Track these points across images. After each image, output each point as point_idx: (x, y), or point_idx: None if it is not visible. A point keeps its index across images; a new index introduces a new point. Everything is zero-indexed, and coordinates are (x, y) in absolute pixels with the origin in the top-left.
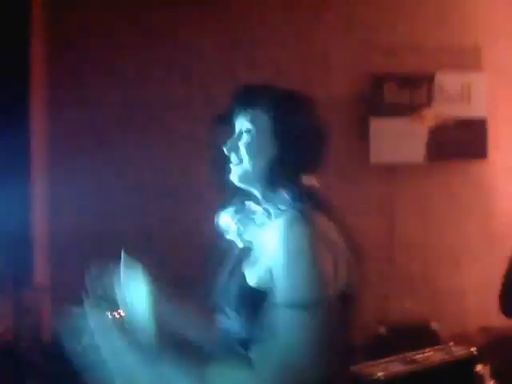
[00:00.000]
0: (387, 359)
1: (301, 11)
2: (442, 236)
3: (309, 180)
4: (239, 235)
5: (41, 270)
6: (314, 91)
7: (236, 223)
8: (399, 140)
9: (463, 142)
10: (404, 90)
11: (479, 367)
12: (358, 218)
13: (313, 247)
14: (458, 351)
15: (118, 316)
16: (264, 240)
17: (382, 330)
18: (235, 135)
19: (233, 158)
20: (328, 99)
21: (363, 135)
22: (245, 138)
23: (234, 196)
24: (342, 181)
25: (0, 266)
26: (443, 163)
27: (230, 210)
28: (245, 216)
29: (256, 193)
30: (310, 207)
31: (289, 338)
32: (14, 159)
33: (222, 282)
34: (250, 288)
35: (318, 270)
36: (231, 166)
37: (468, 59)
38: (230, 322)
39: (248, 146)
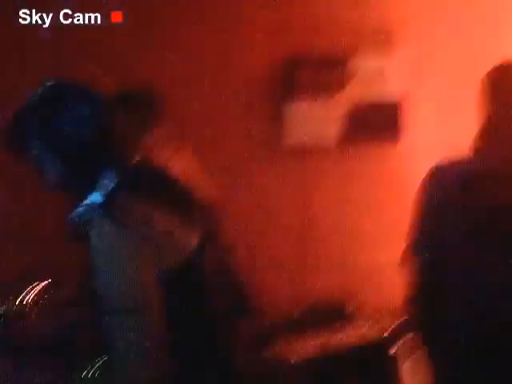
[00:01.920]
0: (301, 342)
1: None
2: (356, 218)
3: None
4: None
5: None
6: (227, 72)
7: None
8: (313, 123)
9: (377, 125)
10: (318, 73)
11: (393, 349)
12: (270, 201)
13: (118, 248)
14: (371, 334)
15: None
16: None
17: (297, 312)
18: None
19: None
20: (241, 80)
21: (276, 118)
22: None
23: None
24: (254, 166)
25: None
26: (358, 147)
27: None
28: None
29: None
30: (120, 197)
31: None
32: None
33: None
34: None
35: (129, 271)
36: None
37: (381, 42)
38: None
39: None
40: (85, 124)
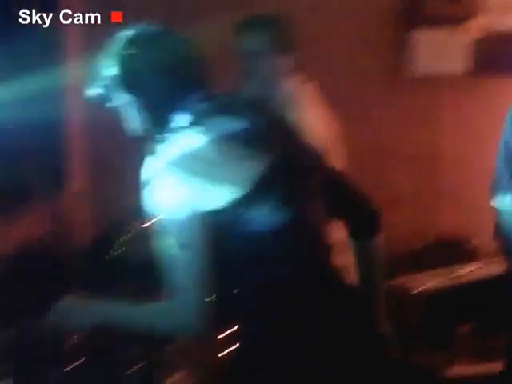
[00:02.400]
0: (427, 273)
1: None
2: (485, 150)
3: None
4: None
5: (77, 177)
6: (351, 2)
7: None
8: (442, 52)
9: (507, 55)
10: (448, 0)
11: None
12: (397, 130)
13: (179, 189)
14: (500, 266)
15: None
16: None
17: (424, 244)
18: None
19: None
20: (367, 10)
21: (405, 47)
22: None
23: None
24: (382, 94)
25: (36, 173)
26: (488, 76)
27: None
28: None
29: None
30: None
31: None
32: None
33: None
34: None
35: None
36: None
37: None
38: None
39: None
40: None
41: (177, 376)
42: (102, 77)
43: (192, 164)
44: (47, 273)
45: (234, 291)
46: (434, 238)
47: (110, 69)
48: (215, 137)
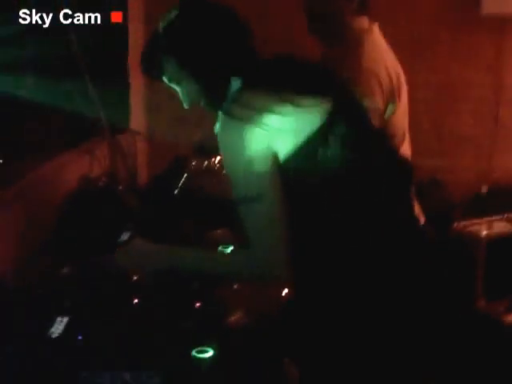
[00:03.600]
0: (491, 218)
1: None
2: None
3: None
4: None
5: (137, 114)
6: None
7: None
8: None
9: None
10: None
11: None
12: (463, 71)
13: (253, 149)
14: None
15: None
16: None
17: (485, 188)
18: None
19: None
20: None
21: None
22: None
23: None
24: (449, 32)
25: (96, 110)
26: None
27: None
28: None
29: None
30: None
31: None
32: None
33: None
34: None
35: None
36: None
37: None
38: None
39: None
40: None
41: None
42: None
43: (264, 115)
44: (109, 211)
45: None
46: (497, 183)
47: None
48: (280, 89)
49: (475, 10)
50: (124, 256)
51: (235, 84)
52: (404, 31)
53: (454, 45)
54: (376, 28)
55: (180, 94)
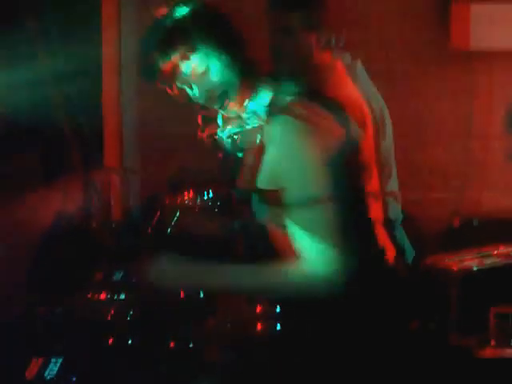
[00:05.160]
0: (463, 252)
1: None
2: None
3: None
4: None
5: (112, 151)
6: None
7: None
8: (495, 26)
9: None
10: None
11: None
12: (434, 105)
13: (308, 142)
14: None
15: None
16: (261, 144)
17: (456, 222)
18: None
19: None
20: None
21: (445, 20)
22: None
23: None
24: (420, 67)
25: (71, 146)
26: None
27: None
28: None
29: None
30: (295, 97)
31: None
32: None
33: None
34: (261, 190)
35: (320, 163)
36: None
37: None
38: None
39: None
40: None
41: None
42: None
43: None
44: (83, 249)
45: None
46: (472, 216)
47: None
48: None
49: (446, 45)
50: (160, 275)
51: (264, 90)
52: (376, 65)
53: (426, 79)
54: (344, 63)
55: (196, 89)
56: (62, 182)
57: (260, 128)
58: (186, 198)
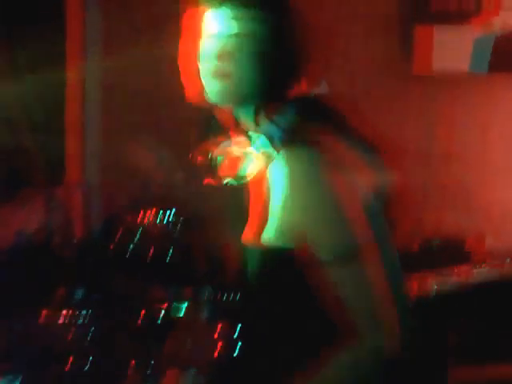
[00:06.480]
0: (424, 274)
1: None
2: (484, 149)
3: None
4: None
5: (73, 167)
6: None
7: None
8: (444, 49)
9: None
10: None
11: None
12: (397, 128)
13: (339, 184)
14: (494, 270)
15: None
16: (274, 184)
17: (416, 244)
18: (221, 39)
19: (218, 67)
20: (368, 4)
21: (407, 43)
22: (238, 43)
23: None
24: (382, 90)
25: (32, 163)
26: (489, 74)
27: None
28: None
29: (243, 118)
30: (318, 126)
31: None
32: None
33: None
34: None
35: (353, 207)
36: (212, 78)
37: None
38: None
39: (248, 52)
40: None
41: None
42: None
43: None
44: (44, 266)
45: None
46: (438, 238)
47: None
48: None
49: (408, 69)
50: None
51: (291, 110)
52: (338, 87)
53: (388, 101)
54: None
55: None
56: (23, 198)
57: (269, 157)
58: (147, 216)
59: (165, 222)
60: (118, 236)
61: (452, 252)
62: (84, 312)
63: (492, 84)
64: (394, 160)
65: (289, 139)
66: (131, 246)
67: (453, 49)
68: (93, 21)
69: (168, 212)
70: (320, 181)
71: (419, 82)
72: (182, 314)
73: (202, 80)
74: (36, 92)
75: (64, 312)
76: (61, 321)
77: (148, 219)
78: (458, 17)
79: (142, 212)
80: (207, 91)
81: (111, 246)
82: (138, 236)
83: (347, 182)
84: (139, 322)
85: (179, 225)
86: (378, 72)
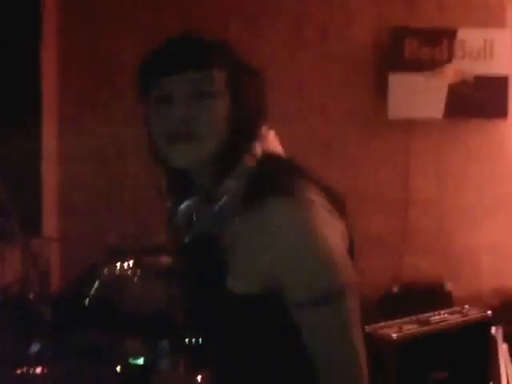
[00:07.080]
0: (401, 320)
1: None
2: (458, 194)
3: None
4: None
5: (49, 219)
6: (332, 42)
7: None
8: (418, 96)
9: (484, 99)
10: (425, 45)
11: (493, 329)
12: (372, 174)
13: (318, 224)
14: (473, 313)
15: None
16: (245, 233)
17: (395, 288)
18: (181, 101)
19: (179, 131)
20: (346, 52)
21: (381, 90)
22: (203, 103)
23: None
24: (358, 136)
25: (7, 215)
26: (462, 120)
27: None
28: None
29: (202, 178)
30: (288, 175)
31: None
32: (25, 108)
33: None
34: (237, 296)
35: (335, 248)
36: (173, 142)
37: (491, 15)
38: None
39: (210, 113)
40: None
41: None
42: None
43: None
44: (19, 320)
45: None
46: (407, 283)
47: None
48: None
49: (383, 114)
50: None
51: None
52: (314, 133)
53: (363, 147)
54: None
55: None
56: None
57: (234, 212)
58: (124, 267)
59: (141, 273)
60: (94, 288)
61: (430, 296)
62: (57, 367)
63: (466, 129)
64: (371, 206)
65: (257, 191)
66: (107, 297)
67: (426, 95)
68: None
69: (143, 263)
70: (302, 221)
71: (395, 127)
72: (160, 366)
73: (161, 144)
74: (11, 142)
75: (38, 367)
76: (35, 376)
77: (124, 270)
78: (431, 65)
79: (119, 262)
80: (167, 155)
81: (87, 298)
82: (114, 288)
83: (329, 222)
84: (115, 375)
85: (155, 276)
86: (355, 118)
